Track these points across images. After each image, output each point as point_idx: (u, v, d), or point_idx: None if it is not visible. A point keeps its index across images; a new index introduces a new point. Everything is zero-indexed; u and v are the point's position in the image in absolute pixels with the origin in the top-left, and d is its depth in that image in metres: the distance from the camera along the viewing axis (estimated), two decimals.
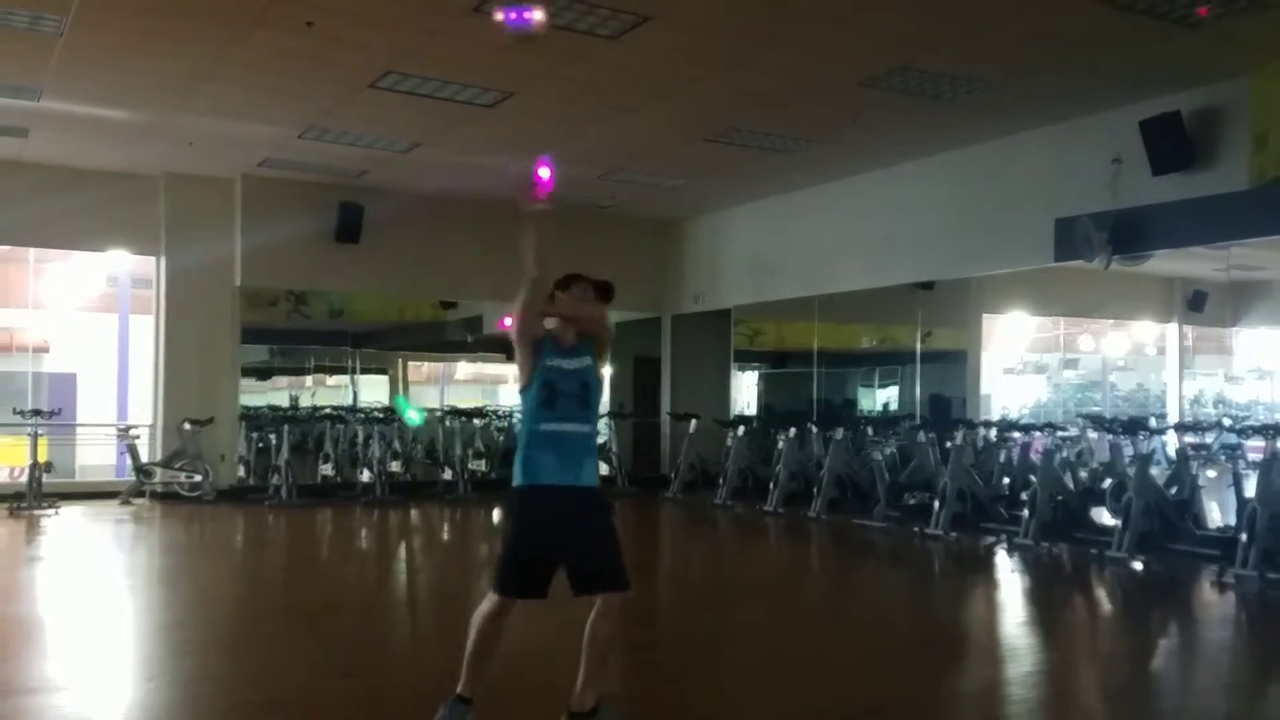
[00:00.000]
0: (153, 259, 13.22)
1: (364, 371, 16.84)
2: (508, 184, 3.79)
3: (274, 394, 16.10)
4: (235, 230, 13.06)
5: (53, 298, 15.18)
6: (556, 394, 4.15)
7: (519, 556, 4.13)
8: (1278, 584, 7.84)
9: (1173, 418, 12.88)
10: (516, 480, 4.15)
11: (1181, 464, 9.96)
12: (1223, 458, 10.39)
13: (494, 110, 9.85)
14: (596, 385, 4.32)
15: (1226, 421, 11.50)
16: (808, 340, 14.62)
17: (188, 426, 12.66)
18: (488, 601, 4.14)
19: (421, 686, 5.37)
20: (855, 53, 8.40)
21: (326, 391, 16.85)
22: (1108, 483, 10.32)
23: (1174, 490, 9.64)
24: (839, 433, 12.12)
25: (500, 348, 17.83)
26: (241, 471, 13.50)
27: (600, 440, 15.39)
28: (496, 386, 18.56)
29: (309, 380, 16.99)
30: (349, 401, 15.90)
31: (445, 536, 11.55)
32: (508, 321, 4.22)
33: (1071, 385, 17.04)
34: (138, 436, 12.86)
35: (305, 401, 16.28)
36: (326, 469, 13.83)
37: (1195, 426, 11.43)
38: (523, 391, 4.22)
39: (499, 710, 4.97)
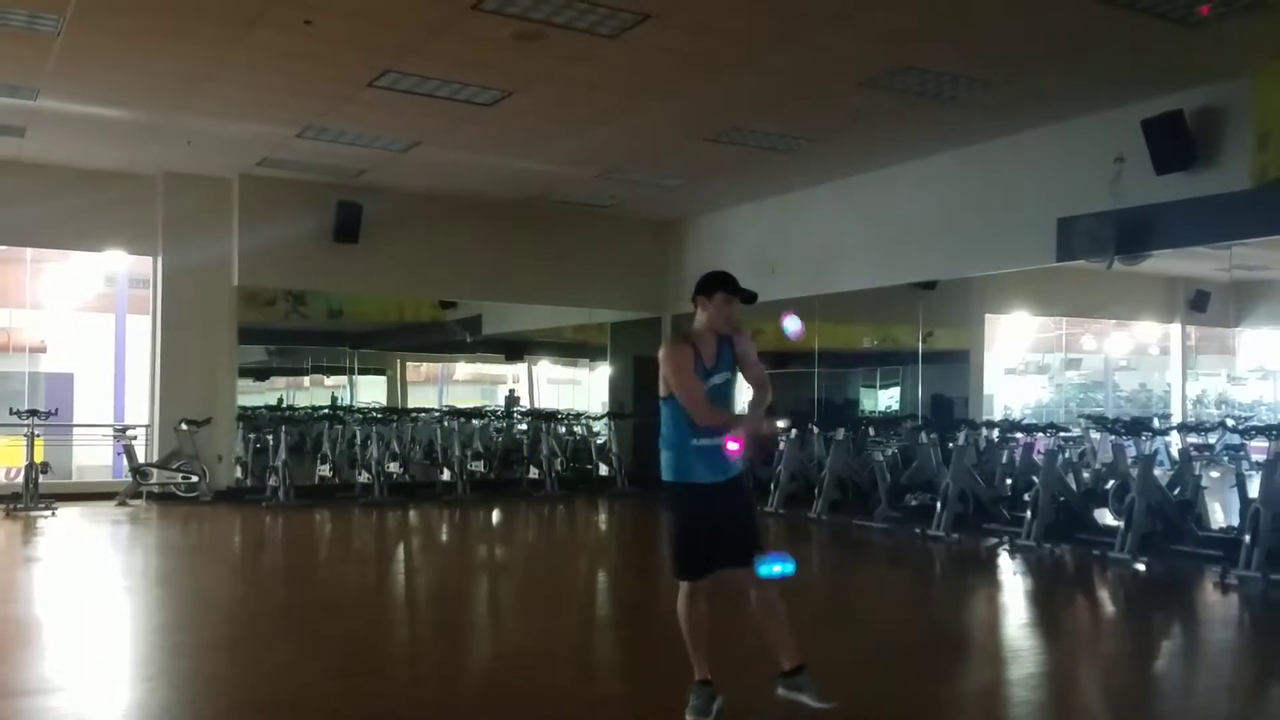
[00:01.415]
0: (150, 259, 13.18)
1: (362, 372, 16.81)
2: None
3: (272, 393, 16.07)
4: (233, 230, 13.02)
5: (50, 298, 15.12)
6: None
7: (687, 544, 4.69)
8: None
9: (1175, 418, 12.87)
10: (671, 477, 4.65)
11: (1184, 465, 9.93)
12: (1225, 458, 10.38)
13: (493, 109, 9.82)
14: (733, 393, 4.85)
15: (1229, 422, 11.48)
16: (808, 340, 14.58)
17: (185, 427, 12.62)
18: (680, 592, 4.70)
19: (420, 687, 5.35)
20: (855, 53, 8.37)
21: (326, 392, 16.83)
22: (1110, 484, 10.29)
23: (1177, 491, 9.61)
24: (840, 433, 12.08)
25: (499, 348, 17.84)
26: (239, 472, 13.46)
27: (600, 441, 15.52)
28: (495, 387, 18.53)
29: (307, 380, 16.96)
30: (347, 401, 15.87)
31: (444, 538, 11.51)
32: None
33: (1074, 385, 17.02)
34: (135, 437, 12.82)
35: (303, 401, 16.25)
36: (324, 470, 13.77)
37: (1198, 427, 11.42)
38: (666, 399, 4.64)
39: (498, 710, 4.94)
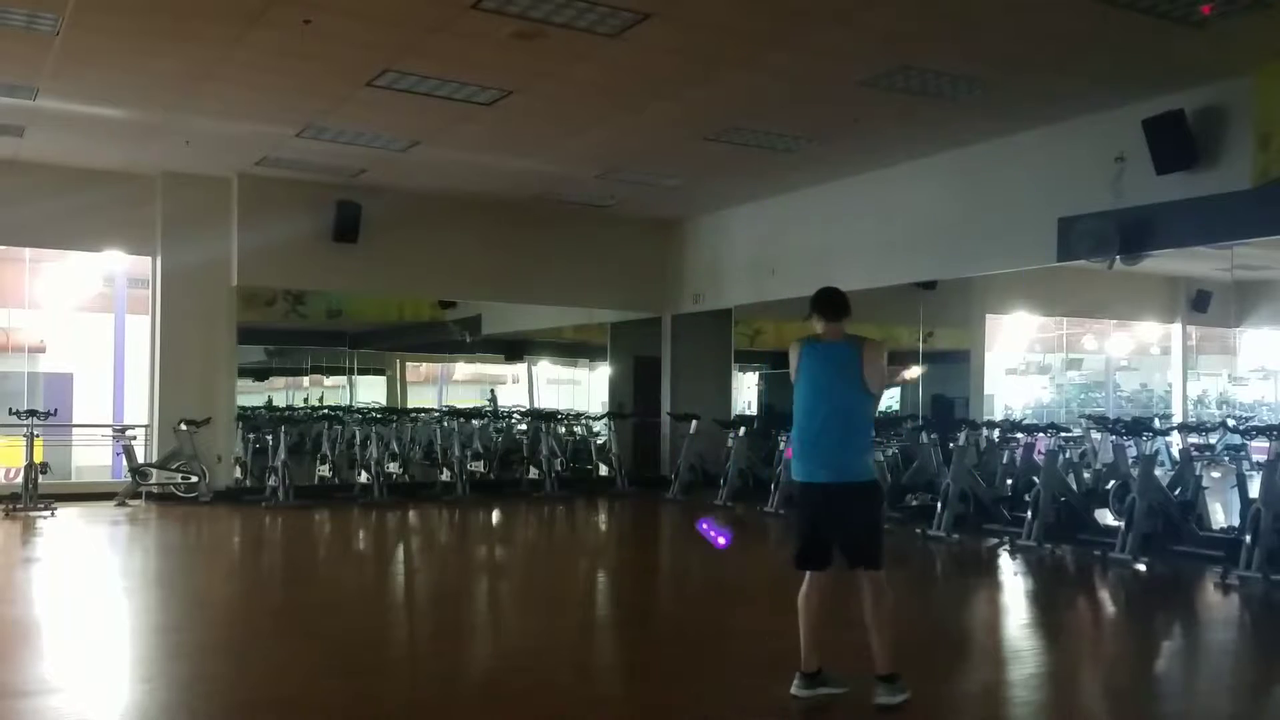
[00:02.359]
0: (149, 259, 13.16)
1: (362, 372, 16.81)
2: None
3: (273, 394, 16.06)
4: (232, 230, 12.99)
5: (49, 298, 15.11)
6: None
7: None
8: None
9: (1176, 418, 12.87)
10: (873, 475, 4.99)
11: (1185, 465, 9.92)
12: (1226, 459, 10.36)
13: (493, 109, 9.80)
14: None
15: (1230, 422, 11.47)
16: None
17: (184, 427, 12.60)
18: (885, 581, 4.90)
19: (419, 687, 5.33)
20: (855, 53, 8.35)
21: (324, 392, 16.82)
22: (1111, 484, 10.28)
23: (1177, 491, 9.60)
24: None
25: (499, 348, 17.83)
26: (238, 472, 13.45)
27: (600, 441, 15.51)
28: (495, 387, 18.52)
29: (306, 381, 16.95)
30: (346, 401, 15.86)
31: (443, 538, 11.50)
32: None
33: (1075, 386, 17.02)
34: (134, 437, 12.80)
35: (302, 401, 16.24)
36: (324, 470, 13.76)
37: (1199, 427, 11.41)
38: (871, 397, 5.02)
39: (498, 710, 4.93)
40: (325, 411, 15.12)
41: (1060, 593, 8.56)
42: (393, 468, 13.67)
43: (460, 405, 15.76)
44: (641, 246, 15.33)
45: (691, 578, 9.43)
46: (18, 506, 11.32)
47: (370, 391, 16.64)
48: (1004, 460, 11.50)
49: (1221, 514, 10.09)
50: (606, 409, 15.90)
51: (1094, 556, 9.19)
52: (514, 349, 17.89)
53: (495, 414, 15.85)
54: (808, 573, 4.96)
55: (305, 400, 16.47)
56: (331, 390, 16.96)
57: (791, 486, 5.05)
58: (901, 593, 8.60)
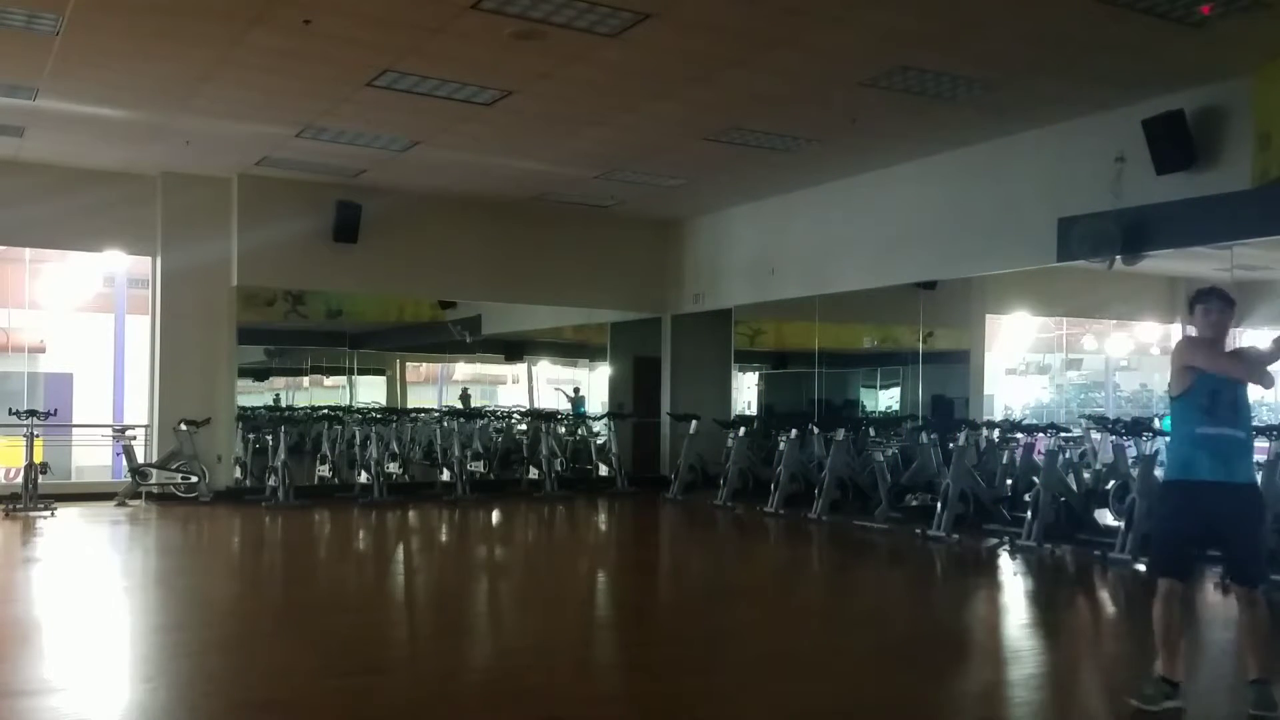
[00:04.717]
0: (149, 259, 13.16)
1: (362, 372, 16.81)
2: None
3: (274, 394, 16.06)
4: (232, 230, 13.00)
5: (49, 298, 15.12)
6: (1217, 402, 4.82)
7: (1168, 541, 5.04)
8: None
9: None
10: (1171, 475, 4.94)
11: None
12: None
13: (492, 109, 9.80)
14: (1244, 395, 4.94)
15: None
16: (809, 340, 14.58)
17: (184, 427, 12.60)
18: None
19: (419, 686, 5.34)
20: (855, 53, 8.36)
21: (323, 392, 16.82)
22: (1111, 484, 10.29)
23: None
24: (840, 434, 12.06)
25: (499, 348, 17.83)
26: (238, 473, 13.44)
27: (600, 441, 15.51)
28: (495, 387, 18.53)
29: (306, 381, 16.95)
30: (346, 401, 15.86)
31: (443, 538, 11.50)
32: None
33: (1074, 386, 17.02)
34: (134, 437, 12.80)
35: (302, 401, 16.23)
36: (324, 470, 13.76)
37: None
38: (1177, 399, 4.96)
39: (498, 710, 4.93)
40: (325, 411, 15.12)
41: (1060, 593, 8.56)
42: (393, 468, 13.67)
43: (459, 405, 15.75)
44: (641, 246, 15.33)
45: (692, 578, 9.43)
46: (18, 506, 11.32)
47: (370, 391, 16.64)
48: (1004, 460, 11.50)
49: None
50: (606, 409, 15.91)
51: (1094, 556, 9.19)
52: (514, 349, 17.89)
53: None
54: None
55: (308, 400, 16.48)
56: (331, 390, 16.95)
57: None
58: (902, 593, 8.65)
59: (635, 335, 16.13)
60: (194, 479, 12.65)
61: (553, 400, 17.68)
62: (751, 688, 5.25)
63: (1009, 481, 11.19)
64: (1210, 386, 4.81)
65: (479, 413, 15.62)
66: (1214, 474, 4.76)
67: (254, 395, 15.27)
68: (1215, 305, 4.98)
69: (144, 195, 12.79)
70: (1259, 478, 8.42)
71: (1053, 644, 6.73)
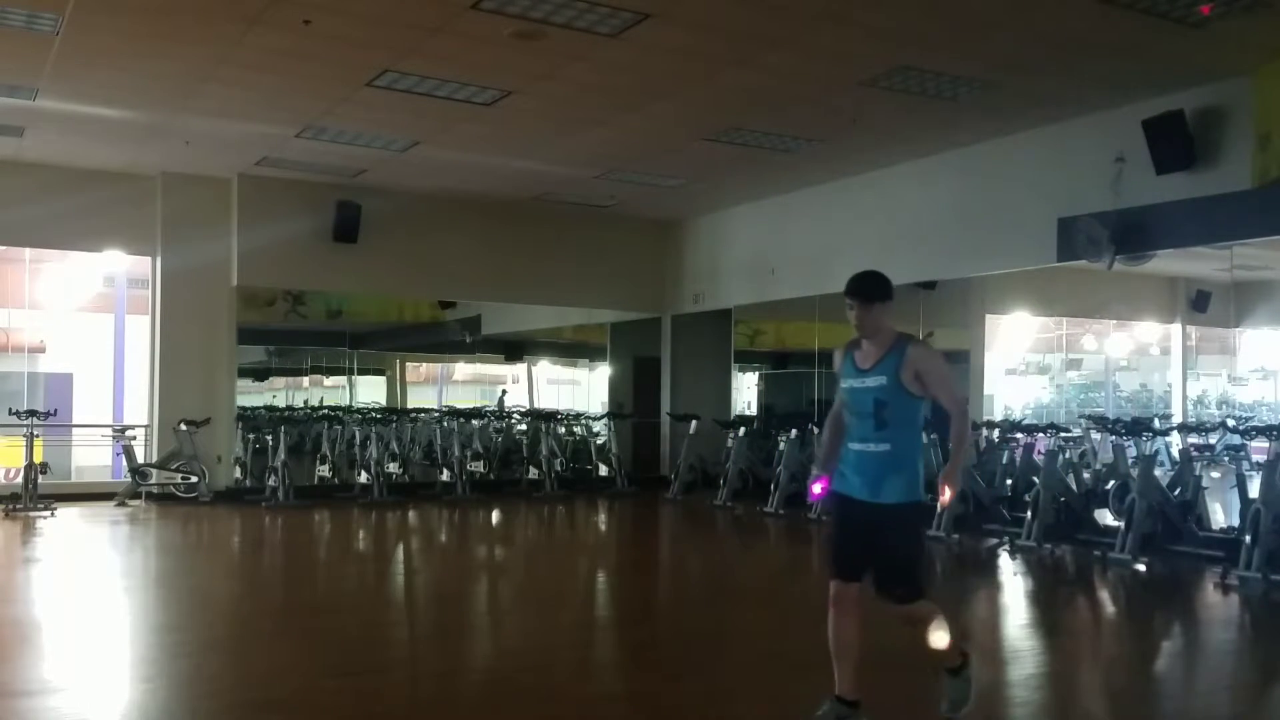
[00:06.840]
0: (149, 259, 13.16)
1: (362, 372, 16.80)
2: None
3: (274, 394, 16.05)
4: (232, 230, 13.00)
5: (49, 298, 15.12)
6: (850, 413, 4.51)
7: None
8: None
9: (1176, 418, 12.85)
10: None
11: (1185, 465, 9.92)
12: (1226, 459, 10.36)
13: (492, 109, 9.80)
14: (898, 402, 4.43)
15: (1230, 422, 11.47)
16: (809, 340, 14.57)
17: (184, 427, 12.60)
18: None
19: (419, 686, 5.34)
20: (855, 53, 8.36)
21: (321, 392, 16.80)
22: (1111, 484, 10.28)
23: (1177, 492, 9.60)
24: None
25: (499, 348, 17.83)
26: (238, 473, 13.45)
27: (600, 441, 15.50)
28: (495, 387, 18.52)
29: (306, 381, 16.94)
30: (346, 401, 15.85)
31: (443, 538, 11.50)
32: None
33: (1074, 386, 17.02)
34: (134, 437, 12.80)
35: (302, 401, 16.22)
36: (324, 470, 13.76)
37: (1199, 427, 11.40)
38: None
39: (498, 710, 4.93)
40: (325, 411, 15.12)
41: (1060, 593, 8.56)
42: (393, 468, 13.67)
43: (460, 405, 15.73)
44: (641, 246, 15.33)
45: (692, 577, 9.43)
46: (18, 506, 11.32)
47: (370, 391, 16.64)
48: (1004, 460, 11.50)
49: (1221, 514, 10.08)
50: (606, 409, 15.91)
51: (1094, 557, 9.19)
52: (514, 349, 17.89)
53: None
54: None
55: (306, 400, 16.46)
56: (331, 390, 16.95)
57: None
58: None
59: (635, 335, 16.13)
60: (194, 479, 12.65)
61: (551, 400, 17.67)
62: (752, 688, 5.25)
63: (1009, 481, 11.19)
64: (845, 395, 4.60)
65: (479, 413, 15.62)
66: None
67: (254, 395, 15.26)
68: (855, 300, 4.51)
69: (144, 195, 12.79)
70: (1259, 478, 8.48)
71: (1053, 644, 6.73)
